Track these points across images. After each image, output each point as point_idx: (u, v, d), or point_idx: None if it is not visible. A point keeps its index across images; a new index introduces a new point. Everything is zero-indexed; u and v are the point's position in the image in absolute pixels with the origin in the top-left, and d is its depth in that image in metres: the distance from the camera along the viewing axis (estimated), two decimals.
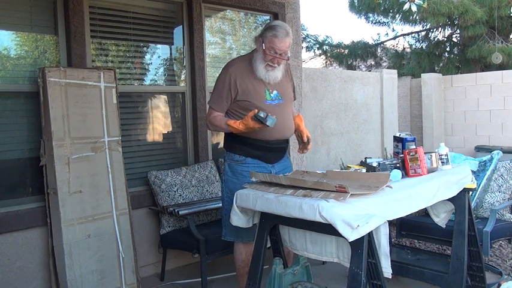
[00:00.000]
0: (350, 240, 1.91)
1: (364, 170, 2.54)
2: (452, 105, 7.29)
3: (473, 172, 3.16)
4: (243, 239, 2.73)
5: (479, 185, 3.55)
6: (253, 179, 2.45)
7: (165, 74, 4.02)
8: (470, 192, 2.92)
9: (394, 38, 11.06)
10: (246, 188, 2.41)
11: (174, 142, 4.07)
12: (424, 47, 10.34)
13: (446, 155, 2.73)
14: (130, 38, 3.72)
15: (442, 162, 2.71)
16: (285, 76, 2.80)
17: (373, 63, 11.34)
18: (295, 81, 3.31)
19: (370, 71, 9.18)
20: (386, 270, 2.11)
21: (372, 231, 1.99)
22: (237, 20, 4.51)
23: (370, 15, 10.30)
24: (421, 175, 2.51)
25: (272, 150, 2.75)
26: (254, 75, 2.65)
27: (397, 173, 2.46)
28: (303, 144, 2.86)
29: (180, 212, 3.34)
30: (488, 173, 3.60)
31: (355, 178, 2.34)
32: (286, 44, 2.59)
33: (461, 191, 2.67)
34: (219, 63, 4.27)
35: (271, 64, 2.63)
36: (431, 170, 2.59)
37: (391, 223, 2.73)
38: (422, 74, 7.51)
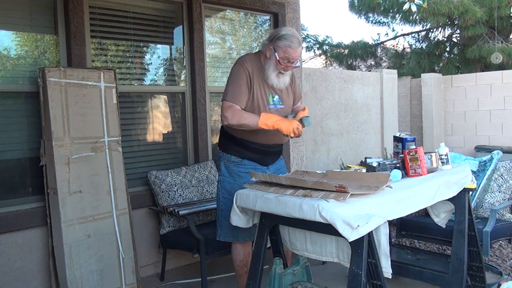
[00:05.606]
0: (350, 240, 1.91)
1: (364, 170, 2.54)
2: (452, 105, 7.29)
3: (473, 172, 3.16)
4: (240, 239, 2.73)
5: (479, 185, 3.55)
6: (253, 179, 2.45)
7: (165, 74, 4.02)
8: (470, 192, 2.92)
9: (394, 38, 11.06)
10: (246, 188, 2.41)
11: (174, 142, 4.07)
12: (424, 47, 10.33)
13: (446, 155, 2.73)
14: (130, 38, 3.72)
15: (442, 162, 2.71)
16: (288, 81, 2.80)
17: (373, 63, 11.34)
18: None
19: (370, 71, 9.18)
20: (386, 270, 2.11)
21: (372, 231, 1.98)
22: (237, 20, 4.51)
23: (370, 15, 10.30)
24: (421, 175, 2.51)
25: (269, 154, 2.76)
26: (262, 78, 2.65)
27: (397, 173, 2.46)
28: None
29: (180, 212, 3.34)
30: (488, 173, 3.60)
31: (355, 178, 2.34)
32: (299, 52, 2.62)
33: (461, 191, 2.67)
34: (219, 63, 4.27)
35: (283, 72, 2.65)
36: (431, 170, 2.59)
37: (391, 223, 2.72)
38: (422, 74, 7.51)
